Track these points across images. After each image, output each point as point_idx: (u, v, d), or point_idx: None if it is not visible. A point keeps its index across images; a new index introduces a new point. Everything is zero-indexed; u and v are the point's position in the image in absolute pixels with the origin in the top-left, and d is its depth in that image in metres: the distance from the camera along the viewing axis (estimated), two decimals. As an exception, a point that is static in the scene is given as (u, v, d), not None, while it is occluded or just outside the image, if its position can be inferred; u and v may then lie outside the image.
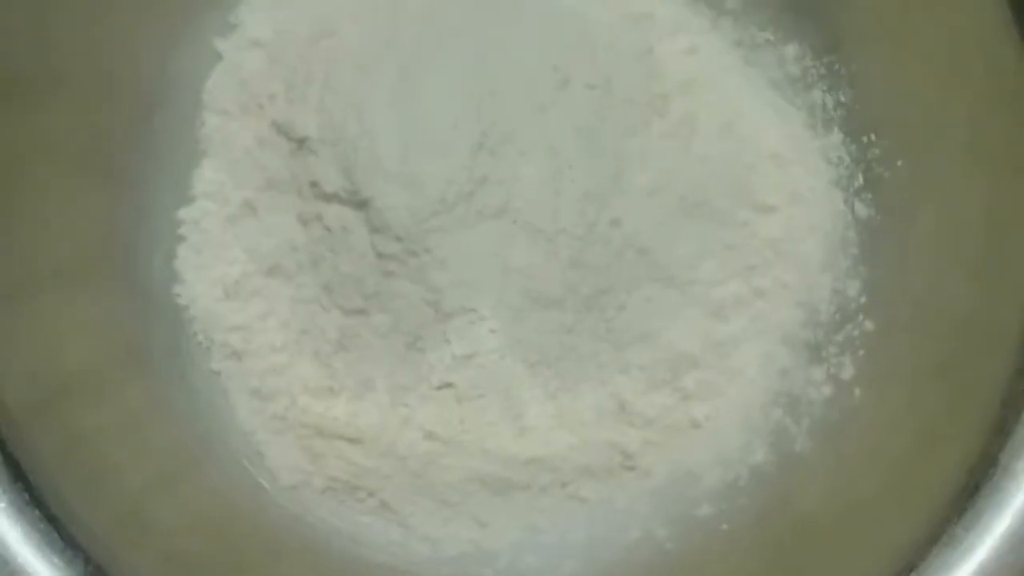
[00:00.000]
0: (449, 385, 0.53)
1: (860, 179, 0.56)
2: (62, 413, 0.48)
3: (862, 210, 0.55)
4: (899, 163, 0.54)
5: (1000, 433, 0.43)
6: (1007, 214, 0.48)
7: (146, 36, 0.55)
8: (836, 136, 0.56)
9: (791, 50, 0.57)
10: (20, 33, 0.49)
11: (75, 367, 0.50)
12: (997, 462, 0.43)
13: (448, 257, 0.51)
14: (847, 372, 0.54)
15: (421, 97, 0.51)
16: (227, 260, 0.55)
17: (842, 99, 0.56)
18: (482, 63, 0.52)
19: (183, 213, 0.56)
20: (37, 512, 0.43)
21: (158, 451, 0.52)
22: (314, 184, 0.52)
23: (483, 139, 0.50)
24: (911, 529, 0.44)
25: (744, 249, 0.55)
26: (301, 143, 0.53)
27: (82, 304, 0.52)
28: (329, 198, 0.52)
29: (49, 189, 0.51)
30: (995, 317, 0.47)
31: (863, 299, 0.54)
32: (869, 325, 0.54)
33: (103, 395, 0.51)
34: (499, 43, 0.52)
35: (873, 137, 0.55)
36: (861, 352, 0.54)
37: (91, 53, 0.53)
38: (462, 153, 0.50)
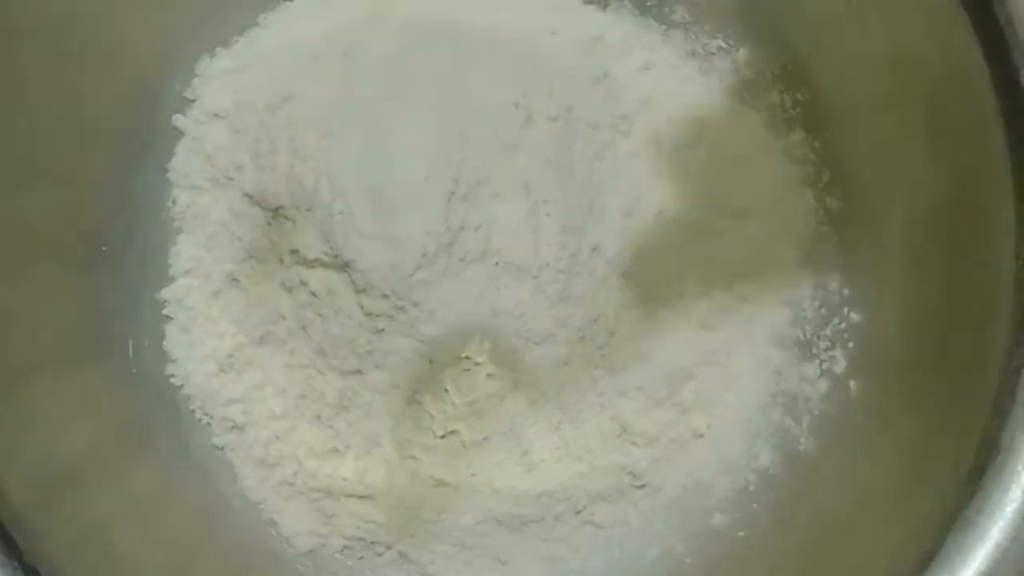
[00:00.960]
0: (453, 432, 0.53)
1: (827, 173, 0.56)
2: (69, 504, 0.48)
3: (833, 203, 0.56)
4: (864, 153, 0.54)
5: (999, 414, 0.44)
6: (975, 189, 0.48)
7: (107, 117, 0.55)
8: (798, 134, 0.57)
9: (743, 55, 0.58)
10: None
11: (75, 454, 0.50)
12: (999, 443, 0.43)
13: (436, 308, 0.51)
14: (840, 366, 0.54)
15: (389, 153, 0.51)
16: (216, 335, 0.55)
17: (800, 97, 0.57)
18: (444, 111, 0.52)
19: (166, 293, 0.56)
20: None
21: (170, 533, 0.52)
22: (294, 251, 0.52)
23: (455, 187, 0.50)
24: (923, 515, 0.45)
25: (723, 257, 0.56)
26: (276, 212, 0.53)
27: (73, 392, 0.52)
28: (311, 263, 0.52)
29: (23, 278, 0.51)
30: (979, 295, 0.47)
31: (845, 291, 0.55)
32: (855, 317, 0.54)
33: (107, 481, 0.51)
34: (458, 88, 0.52)
35: (835, 131, 0.55)
36: (851, 344, 0.54)
37: (57, 137, 0.52)
38: (437, 204, 0.50)
